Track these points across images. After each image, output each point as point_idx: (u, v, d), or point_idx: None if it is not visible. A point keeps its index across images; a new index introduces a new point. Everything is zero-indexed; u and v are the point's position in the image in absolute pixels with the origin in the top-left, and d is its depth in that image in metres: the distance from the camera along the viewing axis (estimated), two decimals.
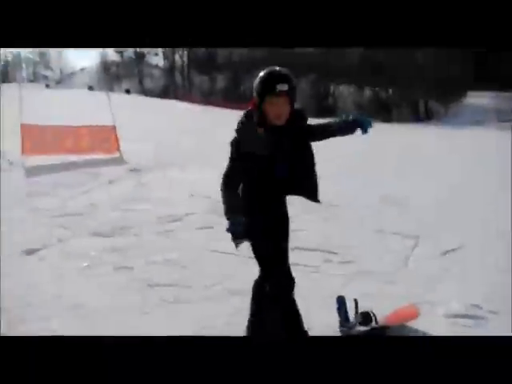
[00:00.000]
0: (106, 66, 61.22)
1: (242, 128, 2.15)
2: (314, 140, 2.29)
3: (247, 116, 2.17)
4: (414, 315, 2.61)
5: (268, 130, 2.12)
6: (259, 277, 2.34)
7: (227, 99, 41.57)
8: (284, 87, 2.03)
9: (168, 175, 7.64)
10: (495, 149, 12.97)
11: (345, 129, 2.24)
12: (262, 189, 2.20)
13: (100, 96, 16.47)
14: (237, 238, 2.08)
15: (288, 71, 2.11)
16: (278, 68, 2.11)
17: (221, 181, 2.17)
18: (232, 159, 2.16)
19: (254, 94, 2.10)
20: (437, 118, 32.93)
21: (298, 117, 2.21)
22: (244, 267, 3.27)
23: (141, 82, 58.87)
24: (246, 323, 2.44)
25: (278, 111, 2.07)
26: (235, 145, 2.14)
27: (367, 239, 4.30)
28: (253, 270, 3.01)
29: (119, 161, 8.86)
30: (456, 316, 2.75)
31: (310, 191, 2.29)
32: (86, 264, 3.63)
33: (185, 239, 4.30)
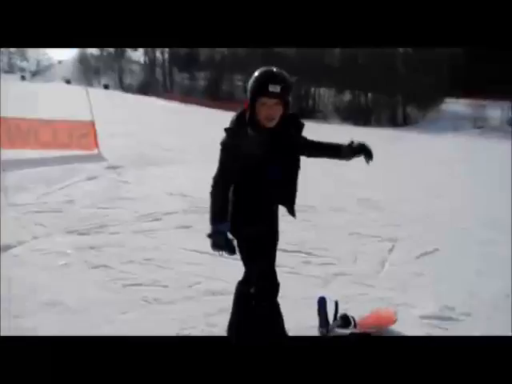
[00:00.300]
0: (84, 60, 60.10)
1: (233, 128, 2.09)
2: (305, 154, 2.26)
3: (239, 116, 2.11)
4: (392, 320, 2.66)
5: (259, 132, 2.05)
6: (243, 278, 2.32)
7: (208, 98, 41.39)
8: (276, 88, 1.96)
9: (147, 173, 7.56)
10: (470, 154, 13.33)
11: (344, 152, 2.24)
12: (253, 191, 2.14)
13: (78, 90, 16.17)
14: (216, 247, 2.07)
15: (283, 72, 2.05)
16: (273, 68, 2.04)
17: (211, 182, 2.11)
18: (222, 160, 2.09)
19: (248, 94, 2.05)
20: (414, 124, 33.58)
21: (291, 122, 2.15)
22: (224, 267, 3.28)
23: (120, 78, 58.03)
24: (227, 323, 2.44)
25: (269, 113, 2.01)
26: (225, 145, 2.08)
27: (345, 242, 4.36)
28: (233, 270, 3.02)
29: (97, 157, 8.71)
30: (430, 317, 2.82)
31: (289, 202, 2.24)
32: (62, 262, 3.56)
33: (164, 238, 4.26)
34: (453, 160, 11.55)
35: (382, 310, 2.77)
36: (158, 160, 8.77)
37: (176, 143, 11.57)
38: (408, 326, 2.68)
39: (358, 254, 4.00)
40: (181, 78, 52.45)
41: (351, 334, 2.44)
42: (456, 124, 31.51)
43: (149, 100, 33.07)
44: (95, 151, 9.28)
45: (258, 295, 2.20)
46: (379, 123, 33.14)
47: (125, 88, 49.87)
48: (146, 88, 48.57)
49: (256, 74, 2.03)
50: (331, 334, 2.47)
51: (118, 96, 32.65)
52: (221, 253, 2.09)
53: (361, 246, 4.26)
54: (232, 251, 2.07)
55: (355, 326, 2.49)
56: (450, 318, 2.83)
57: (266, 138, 2.07)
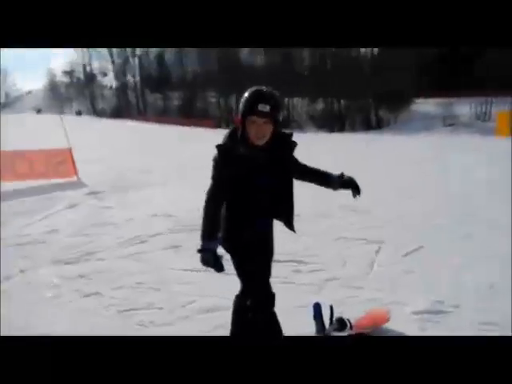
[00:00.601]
0: (54, 88, 59.53)
1: (225, 145, 2.14)
2: (295, 176, 2.31)
3: (231, 134, 2.16)
4: (385, 319, 2.73)
5: (250, 149, 2.10)
6: (240, 292, 2.36)
7: (182, 116, 41.44)
8: (265, 108, 2.02)
9: (128, 197, 7.53)
10: (443, 152, 13.67)
11: (333, 183, 2.33)
12: (244, 206, 2.18)
13: (50, 119, 16.03)
14: (205, 263, 2.10)
15: (273, 91, 2.11)
16: (264, 88, 2.10)
17: (205, 198, 2.15)
18: (214, 177, 2.13)
19: (239, 112, 2.10)
20: (387, 126, 34.27)
21: (283, 140, 2.21)
22: (216, 284, 3.31)
23: (92, 103, 57.71)
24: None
25: (258, 131, 2.06)
26: (217, 162, 2.12)
27: (332, 247, 4.43)
28: (225, 286, 3.06)
29: (77, 184, 8.64)
30: (422, 313, 2.90)
31: (287, 217, 2.30)
32: (52, 294, 3.52)
33: (152, 260, 4.25)
34: (426, 159, 11.84)
35: (375, 310, 2.83)
36: (138, 183, 8.75)
37: (154, 164, 11.56)
38: (401, 323, 2.75)
39: (346, 258, 4.07)
40: (153, 98, 52.42)
41: (348, 335, 2.49)
42: (427, 123, 32.35)
43: (123, 123, 32.89)
44: (74, 178, 9.20)
45: (254, 307, 2.23)
46: (354, 128, 33.72)
47: (98, 113, 49.57)
48: (120, 111, 48.40)
49: (246, 93, 2.09)
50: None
51: (91, 122, 32.39)
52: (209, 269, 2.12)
53: (348, 249, 4.33)
54: (220, 269, 2.10)
55: (351, 327, 2.54)
56: (440, 312, 2.91)
57: (256, 155, 2.12)
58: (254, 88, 2.10)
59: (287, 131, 2.26)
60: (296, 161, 2.33)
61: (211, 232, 2.12)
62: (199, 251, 2.10)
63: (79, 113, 45.75)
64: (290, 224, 2.31)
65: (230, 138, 2.15)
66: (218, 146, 2.14)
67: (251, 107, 2.03)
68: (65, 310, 3.24)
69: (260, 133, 2.07)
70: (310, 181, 2.38)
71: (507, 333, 2.59)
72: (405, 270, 3.75)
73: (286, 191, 2.26)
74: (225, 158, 2.11)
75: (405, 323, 2.75)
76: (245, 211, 2.19)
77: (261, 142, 2.10)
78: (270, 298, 2.26)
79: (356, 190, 2.35)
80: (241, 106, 2.08)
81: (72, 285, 3.69)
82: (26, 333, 2.86)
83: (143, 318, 3.03)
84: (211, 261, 2.08)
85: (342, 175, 2.36)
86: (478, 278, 3.47)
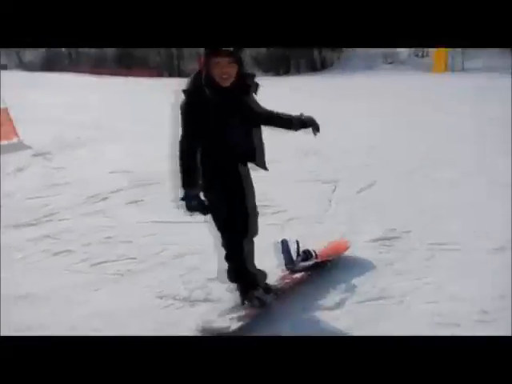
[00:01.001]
0: None
1: (190, 89, 2.12)
2: (258, 121, 2.33)
3: (196, 77, 2.14)
4: (345, 247, 3.01)
5: (216, 91, 2.10)
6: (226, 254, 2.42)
7: (120, 67, 39.26)
8: (229, 48, 2.04)
9: (78, 156, 7.29)
10: (387, 90, 14.11)
11: (294, 124, 2.37)
12: (216, 153, 2.20)
13: None
14: (190, 209, 2.17)
15: None
16: None
17: (178, 147, 2.15)
18: (184, 123, 2.13)
19: (202, 55, 2.09)
20: (330, 67, 34.39)
21: (247, 80, 2.20)
22: (182, 232, 3.50)
23: (18, 55, 53.06)
24: (202, 281, 2.67)
25: (223, 71, 2.07)
26: (185, 108, 2.12)
27: (291, 190, 4.66)
28: (191, 233, 3.23)
29: (20, 146, 8.21)
30: (377, 240, 3.23)
31: (260, 158, 2.34)
32: (20, 256, 3.52)
33: (117, 216, 4.29)
34: (370, 96, 12.22)
35: (336, 241, 3.11)
36: (86, 140, 8.45)
37: (98, 120, 11.11)
38: (359, 249, 3.07)
39: (305, 199, 4.32)
40: (87, 48, 48.91)
41: (314, 263, 2.76)
42: (369, 62, 32.78)
43: (56, 76, 30.77)
44: (15, 140, 8.71)
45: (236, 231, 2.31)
46: (299, 70, 33.55)
47: (26, 66, 45.79)
48: (51, 64, 44.94)
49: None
50: (297, 268, 2.77)
51: (21, 76, 30.03)
52: (193, 214, 2.21)
53: (306, 191, 4.57)
54: (205, 211, 2.20)
55: (316, 257, 2.80)
56: (393, 238, 3.25)
57: (223, 97, 2.12)
58: None
59: (250, 72, 2.27)
60: (258, 104, 2.34)
61: (191, 179, 2.15)
62: (182, 199, 2.15)
63: (4, 67, 42.06)
64: (263, 164, 2.37)
65: (195, 82, 2.14)
66: (185, 91, 2.12)
67: (215, 47, 2.04)
68: (37, 269, 3.27)
69: (225, 73, 2.08)
70: (272, 124, 2.41)
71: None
72: (359, 205, 4.07)
73: (257, 133, 2.30)
74: (193, 104, 2.10)
75: (362, 250, 3.07)
76: (221, 157, 2.21)
77: (227, 83, 2.10)
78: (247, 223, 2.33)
79: (316, 128, 2.44)
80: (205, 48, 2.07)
81: (39, 246, 3.68)
82: None
83: (120, 268, 3.14)
84: (196, 205, 2.13)
85: (301, 115, 2.42)
86: (425, 205, 3.85)
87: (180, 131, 2.20)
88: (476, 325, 2.26)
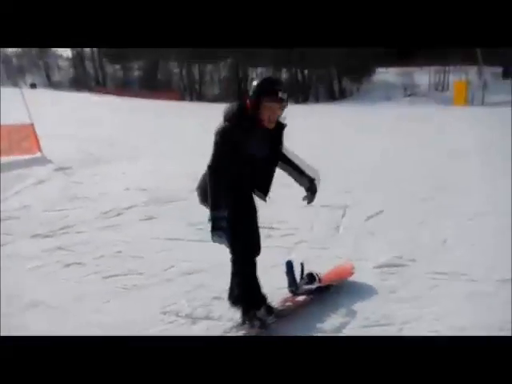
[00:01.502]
0: (5, 59, 56.21)
1: (235, 120, 2.27)
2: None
3: (240, 110, 2.30)
4: (349, 272, 3.05)
5: (258, 129, 2.29)
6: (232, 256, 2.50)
7: (144, 88, 40.34)
8: (284, 96, 2.25)
9: (98, 172, 7.51)
10: (406, 122, 14.19)
11: (303, 178, 2.55)
12: (241, 180, 2.36)
13: (5, 92, 15.39)
14: (217, 231, 2.22)
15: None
16: (273, 77, 2.32)
17: (207, 171, 2.26)
18: (221, 148, 2.25)
19: (252, 96, 2.24)
20: (350, 96, 34.72)
21: (280, 123, 2.41)
22: (192, 250, 3.58)
23: (47, 75, 54.93)
24: (206, 298, 2.75)
25: (273, 116, 2.27)
26: (226, 134, 2.25)
27: (300, 213, 4.71)
28: (200, 252, 3.30)
29: (42, 160, 8.50)
30: (382, 266, 3.26)
31: (267, 190, 2.50)
32: (34, 265, 3.63)
33: (130, 231, 4.41)
34: (385, 128, 12.31)
35: (341, 266, 3.15)
36: (106, 157, 8.70)
37: (120, 138, 11.42)
38: (364, 275, 3.09)
39: (313, 223, 4.37)
40: (113, 69, 50.48)
41: (317, 287, 2.79)
42: (388, 93, 33.04)
43: (83, 96, 31.76)
44: (38, 154, 9.02)
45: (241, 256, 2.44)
46: (317, 99, 33.99)
47: (54, 85, 47.33)
48: (77, 84, 46.42)
49: (262, 80, 2.29)
50: (299, 292, 2.80)
51: (49, 94, 31.09)
52: (217, 238, 2.26)
53: (314, 215, 4.63)
54: (228, 235, 2.26)
55: (320, 281, 2.84)
56: (399, 265, 3.28)
57: (262, 134, 2.32)
58: (267, 76, 2.30)
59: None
60: (282, 144, 2.52)
61: (221, 201, 2.24)
62: (212, 220, 2.23)
63: (34, 85, 43.58)
64: (265, 197, 2.52)
65: (239, 113, 2.29)
66: (229, 120, 2.27)
67: (272, 93, 2.22)
68: (48, 279, 3.38)
69: (274, 117, 2.28)
70: (288, 166, 2.57)
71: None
72: (367, 231, 4.10)
73: (274, 166, 2.49)
74: (232, 132, 2.25)
75: (367, 276, 3.09)
76: (243, 183, 2.38)
77: (272, 126, 2.30)
78: (256, 246, 2.48)
79: (313, 192, 2.57)
80: (258, 90, 2.23)
81: (53, 257, 3.80)
82: (11, 301, 3.01)
83: (127, 282, 3.23)
84: (225, 227, 2.21)
85: (312, 180, 2.57)
86: (433, 234, 3.88)
87: (211, 154, 2.30)
88: None
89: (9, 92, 12.39)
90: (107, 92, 38.17)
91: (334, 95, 33.90)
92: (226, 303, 2.68)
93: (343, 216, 4.59)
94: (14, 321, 2.76)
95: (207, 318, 2.72)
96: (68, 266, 3.61)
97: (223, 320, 2.66)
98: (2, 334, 2.14)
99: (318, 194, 2.59)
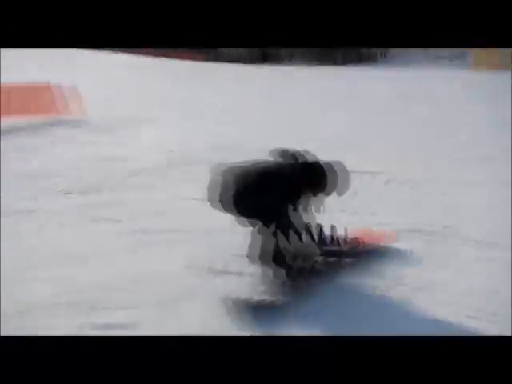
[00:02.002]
0: None
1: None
2: None
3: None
4: (388, 238, 3.19)
5: None
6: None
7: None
8: None
9: (140, 132, 7.49)
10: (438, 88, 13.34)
11: None
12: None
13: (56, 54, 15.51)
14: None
15: None
16: None
17: None
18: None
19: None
20: (378, 61, 32.81)
21: None
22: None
23: None
24: (234, 255, 2.88)
25: None
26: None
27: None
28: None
29: (82, 122, 8.63)
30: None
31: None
32: (68, 219, 3.81)
33: (165, 191, 4.50)
34: (420, 93, 11.69)
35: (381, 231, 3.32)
36: (149, 119, 8.51)
37: (164, 100, 11.09)
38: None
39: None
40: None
41: (351, 248, 2.96)
42: (417, 59, 31.01)
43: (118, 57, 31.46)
44: (81, 116, 9.11)
45: None
46: (345, 61, 32.37)
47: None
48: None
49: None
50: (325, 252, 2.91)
51: (79, 55, 30.97)
52: None
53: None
54: None
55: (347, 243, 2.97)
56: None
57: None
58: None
59: None
60: None
61: None
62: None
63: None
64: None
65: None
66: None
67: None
68: (89, 231, 3.61)
69: None
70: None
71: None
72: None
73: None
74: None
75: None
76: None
77: None
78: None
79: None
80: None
81: (88, 212, 3.98)
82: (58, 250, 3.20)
83: (153, 237, 3.40)
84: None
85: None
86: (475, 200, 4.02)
87: None
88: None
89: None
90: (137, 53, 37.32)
91: (362, 58, 31.84)
92: (246, 260, 2.74)
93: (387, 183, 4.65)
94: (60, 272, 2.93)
95: (237, 273, 2.78)
96: (98, 220, 3.79)
97: (252, 276, 2.73)
98: (2, 334, 2.13)
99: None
